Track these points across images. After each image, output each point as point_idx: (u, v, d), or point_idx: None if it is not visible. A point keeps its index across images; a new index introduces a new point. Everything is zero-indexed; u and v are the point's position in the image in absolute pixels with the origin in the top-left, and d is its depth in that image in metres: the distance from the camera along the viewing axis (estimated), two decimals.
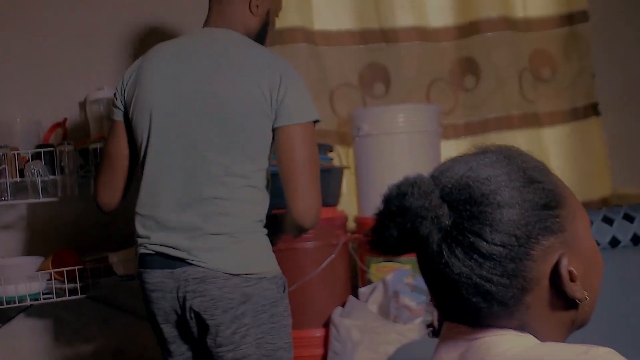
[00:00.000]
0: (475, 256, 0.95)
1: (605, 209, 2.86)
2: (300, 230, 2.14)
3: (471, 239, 0.95)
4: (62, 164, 2.60)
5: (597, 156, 3.68)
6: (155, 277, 2.04)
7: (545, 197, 0.98)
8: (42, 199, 2.56)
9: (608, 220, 2.80)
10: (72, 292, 2.62)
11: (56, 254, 2.63)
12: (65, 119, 2.87)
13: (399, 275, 2.80)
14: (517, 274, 0.96)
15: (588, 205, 3.55)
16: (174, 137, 2.05)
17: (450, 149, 3.12)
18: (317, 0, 3.34)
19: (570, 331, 1.06)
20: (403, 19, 3.37)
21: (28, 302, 2.58)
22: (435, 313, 2.82)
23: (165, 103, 2.07)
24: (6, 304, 2.53)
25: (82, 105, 2.98)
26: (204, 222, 2.01)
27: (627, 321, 2.64)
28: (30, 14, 2.98)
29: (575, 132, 3.68)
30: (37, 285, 2.57)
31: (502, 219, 0.95)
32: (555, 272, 0.98)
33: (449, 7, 3.53)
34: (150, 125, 2.06)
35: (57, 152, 2.60)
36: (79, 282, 2.62)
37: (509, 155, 1.02)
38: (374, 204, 2.75)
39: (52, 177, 2.59)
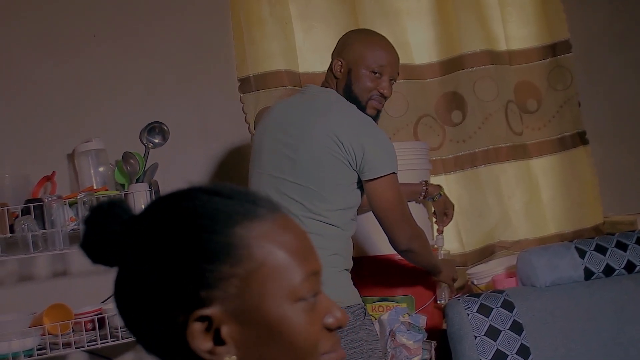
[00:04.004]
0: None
1: (597, 238, 2.86)
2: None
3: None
4: (52, 218, 2.59)
5: (587, 185, 3.69)
6: None
7: (192, 251, 0.95)
8: (33, 254, 2.55)
9: (601, 249, 2.80)
10: (67, 346, 2.59)
11: (49, 308, 2.61)
12: (54, 172, 2.86)
13: (395, 314, 2.79)
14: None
15: (580, 234, 3.56)
16: (265, 173, 2.46)
17: (441, 184, 3.12)
18: (302, 47, 3.38)
19: None
20: None
21: (22, 359, 2.55)
22: (433, 351, 2.80)
23: (264, 145, 2.49)
24: None
25: (71, 157, 2.98)
26: None
27: (624, 350, 2.62)
28: (15, 68, 2.99)
29: (564, 161, 3.69)
30: (30, 341, 2.55)
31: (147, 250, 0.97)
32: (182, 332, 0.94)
33: (433, 43, 3.57)
34: (253, 163, 2.55)
35: (47, 206, 2.59)
36: (74, 336, 2.60)
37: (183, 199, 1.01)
38: (371, 244, 2.75)
39: (42, 231, 2.57)
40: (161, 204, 0.99)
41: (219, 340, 0.92)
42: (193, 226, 0.93)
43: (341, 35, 2.63)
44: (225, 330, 0.91)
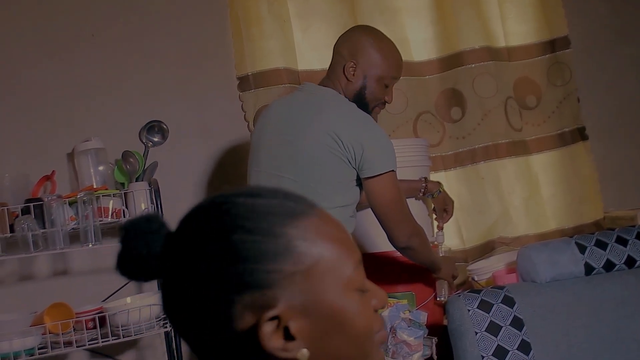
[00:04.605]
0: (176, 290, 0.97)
1: (598, 233, 2.86)
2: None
3: (177, 271, 0.97)
4: (52, 217, 2.59)
5: (587, 180, 3.69)
6: None
7: (241, 252, 0.96)
8: (33, 253, 2.55)
9: (601, 244, 2.79)
10: (68, 345, 2.60)
11: (50, 307, 2.61)
12: (54, 172, 2.86)
13: (396, 311, 2.79)
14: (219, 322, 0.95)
15: (581, 229, 3.56)
16: (264, 171, 2.47)
17: (440, 180, 3.12)
18: (300, 44, 3.38)
19: None
20: None
21: (24, 358, 2.55)
22: (434, 347, 2.81)
23: (262, 143, 2.50)
24: None
25: (70, 156, 2.99)
26: None
27: (625, 345, 2.62)
28: (15, 68, 2.99)
29: (564, 157, 3.69)
30: (32, 340, 2.55)
31: (194, 264, 0.96)
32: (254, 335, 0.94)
33: (432, 40, 3.57)
34: (251, 162, 2.56)
35: (47, 205, 2.59)
36: (75, 335, 2.60)
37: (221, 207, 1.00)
38: (371, 240, 2.76)
39: (42, 230, 2.57)
40: (202, 214, 0.99)
41: (288, 336, 0.94)
42: (249, 230, 0.95)
43: (341, 33, 2.63)
44: (293, 326, 0.94)
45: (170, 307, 0.99)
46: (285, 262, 0.94)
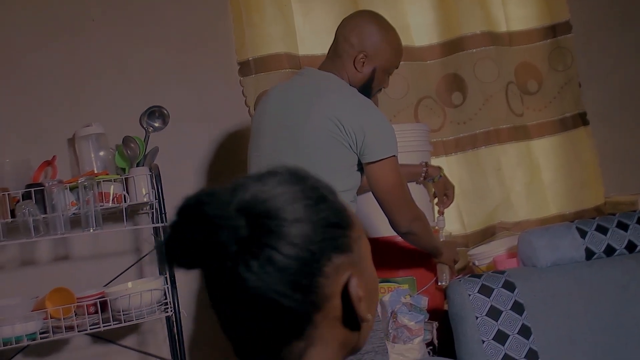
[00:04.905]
0: (270, 269, 0.93)
1: (598, 218, 2.86)
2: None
3: (267, 252, 0.93)
4: (53, 203, 2.59)
5: (588, 165, 3.69)
6: None
7: (336, 216, 1.00)
8: (34, 238, 2.55)
9: (602, 229, 2.80)
10: (69, 329, 2.61)
11: (51, 292, 2.62)
12: (55, 157, 2.86)
13: (397, 295, 2.79)
14: (310, 289, 0.96)
15: (582, 215, 3.56)
16: (264, 156, 2.47)
17: (441, 165, 3.12)
18: (301, 29, 3.37)
19: (344, 356, 1.06)
20: None
21: (25, 342, 2.56)
22: (435, 331, 2.81)
23: (263, 128, 2.50)
24: (3, 345, 2.51)
25: (71, 142, 2.98)
26: None
27: (625, 330, 2.63)
28: (15, 53, 2.98)
29: (565, 142, 3.69)
30: (33, 325, 2.56)
31: (296, 233, 0.94)
32: (345, 291, 0.99)
33: (433, 25, 3.56)
34: (252, 146, 2.56)
35: (47, 190, 2.59)
36: (76, 319, 2.61)
37: (300, 175, 1.02)
38: (372, 225, 2.77)
39: (43, 216, 2.58)
40: (289, 187, 0.99)
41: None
42: (333, 201, 1.02)
43: (342, 18, 2.61)
44: (356, 283, 1.00)
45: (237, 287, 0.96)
46: (352, 229, 1.03)
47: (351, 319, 1.01)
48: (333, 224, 0.99)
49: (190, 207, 0.94)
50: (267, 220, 0.94)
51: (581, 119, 3.70)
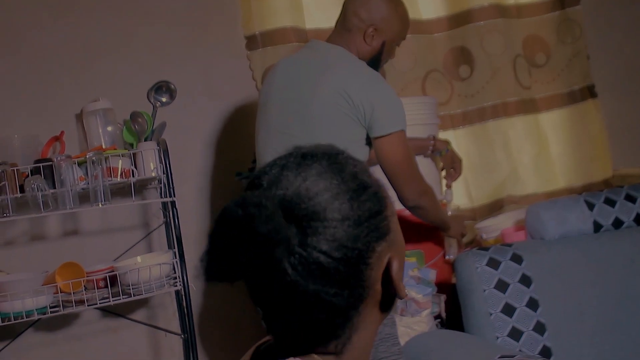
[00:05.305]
0: (320, 273, 0.92)
1: (606, 191, 2.86)
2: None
3: (316, 256, 0.92)
4: (61, 178, 2.60)
5: (596, 138, 3.68)
6: None
7: (376, 203, 0.99)
8: (43, 213, 2.56)
9: (610, 202, 2.79)
10: (79, 303, 2.62)
11: (61, 267, 2.63)
12: (63, 132, 2.87)
13: (405, 268, 2.80)
14: (358, 283, 0.96)
15: (590, 188, 3.56)
16: (273, 129, 2.45)
17: (449, 138, 3.11)
18: (308, 3, 3.36)
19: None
20: None
21: (36, 317, 2.58)
22: (443, 304, 2.82)
23: (271, 101, 2.49)
24: (14, 319, 2.53)
25: (79, 117, 2.99)
26: None
27: (633, 302, 2.63)
28: (22, 29, 2.98)
29: (573, 115, 3.68)
30: (44, 299, 2.57)
31: (342, 234, 0.93)
32: (386, 276, 0.99)
33: None
34: (259, 120, 2.55)
35: (56, 165, 2.60)
36: (86, 294, 2.62)
37: (338, 160, 0.99)
38: None
39: (52, 191, 2.59)
40: (329, 173, 0.97)
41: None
42: (370, 184, 1.00)
43: None
44: (397, 265, 1.01)
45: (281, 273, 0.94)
46: (389, 207, 1.02)
47: (387, 300, 1.01)
48: (375, 213, 0.98)
49: (241, 224, 0.88)
50: (314, 222, 0.93)
51: (589, 92, 3.68)
